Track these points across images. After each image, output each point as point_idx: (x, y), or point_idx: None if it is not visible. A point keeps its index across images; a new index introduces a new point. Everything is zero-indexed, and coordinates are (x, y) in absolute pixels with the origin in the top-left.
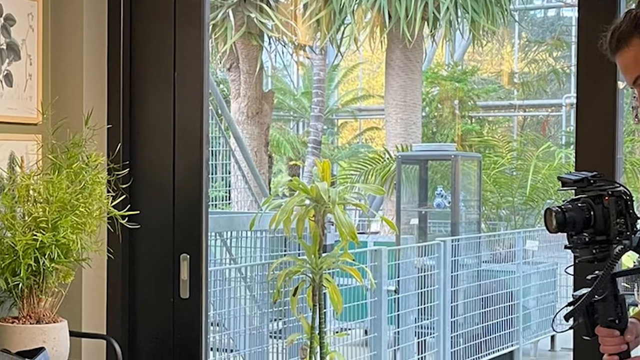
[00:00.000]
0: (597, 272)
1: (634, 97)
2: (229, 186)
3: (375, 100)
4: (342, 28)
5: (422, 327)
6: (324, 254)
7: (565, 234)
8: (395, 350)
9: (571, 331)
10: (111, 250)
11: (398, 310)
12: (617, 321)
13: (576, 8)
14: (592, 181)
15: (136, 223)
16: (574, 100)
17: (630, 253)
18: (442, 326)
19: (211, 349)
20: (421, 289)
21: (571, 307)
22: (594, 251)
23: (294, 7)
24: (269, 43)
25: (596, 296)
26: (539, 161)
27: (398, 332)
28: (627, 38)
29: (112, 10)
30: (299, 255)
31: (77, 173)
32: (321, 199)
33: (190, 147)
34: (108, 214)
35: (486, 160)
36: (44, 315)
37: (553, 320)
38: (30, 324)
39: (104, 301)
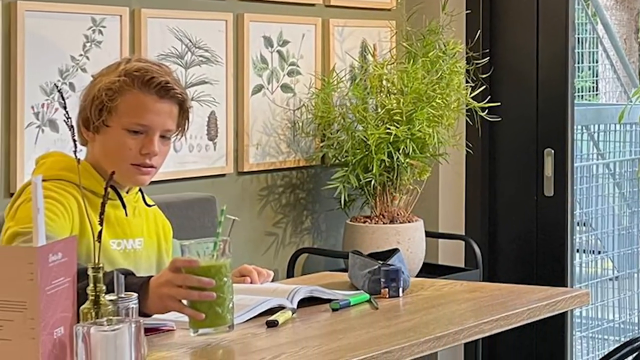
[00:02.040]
0: None
1: None
2: (596, 76)
3: None
4: None
5: None
6: None
7: None
8: None
9: None
10: (470, 145)
11: None
12: None
13: None
14: None
15: (497, 116)
16: None
17: None
18: None
19: (577, 250)
20: None
21: None
22: None
23: None
24: None
25: None
26: None
27: None
28: None
29: None
30: None
31: (433, 62)
32: None
33: (554, 34)
34: (467, 106)
35: None
36: (398, 215)
37: None
38: (384, 223)
39: (462, 199)
